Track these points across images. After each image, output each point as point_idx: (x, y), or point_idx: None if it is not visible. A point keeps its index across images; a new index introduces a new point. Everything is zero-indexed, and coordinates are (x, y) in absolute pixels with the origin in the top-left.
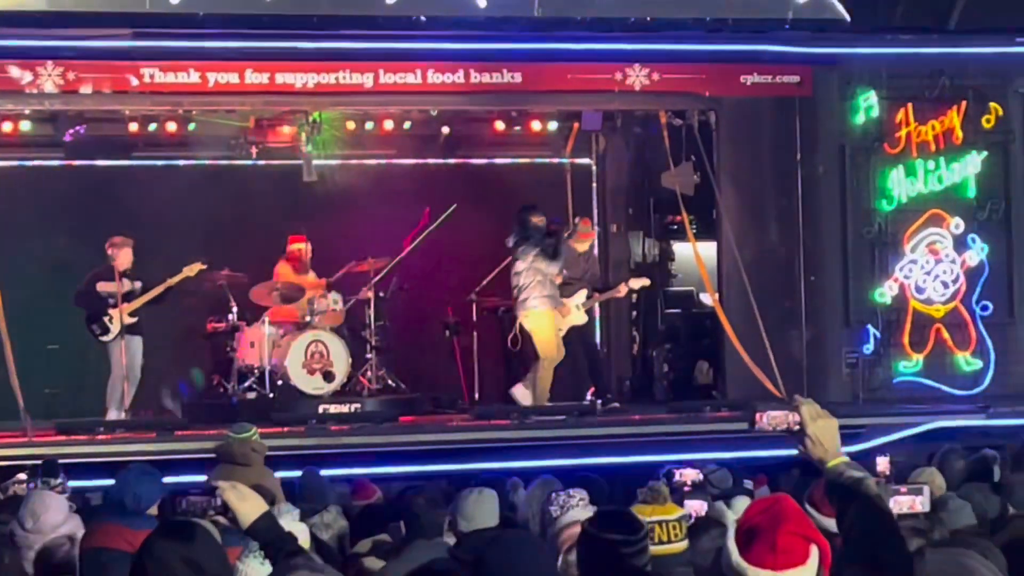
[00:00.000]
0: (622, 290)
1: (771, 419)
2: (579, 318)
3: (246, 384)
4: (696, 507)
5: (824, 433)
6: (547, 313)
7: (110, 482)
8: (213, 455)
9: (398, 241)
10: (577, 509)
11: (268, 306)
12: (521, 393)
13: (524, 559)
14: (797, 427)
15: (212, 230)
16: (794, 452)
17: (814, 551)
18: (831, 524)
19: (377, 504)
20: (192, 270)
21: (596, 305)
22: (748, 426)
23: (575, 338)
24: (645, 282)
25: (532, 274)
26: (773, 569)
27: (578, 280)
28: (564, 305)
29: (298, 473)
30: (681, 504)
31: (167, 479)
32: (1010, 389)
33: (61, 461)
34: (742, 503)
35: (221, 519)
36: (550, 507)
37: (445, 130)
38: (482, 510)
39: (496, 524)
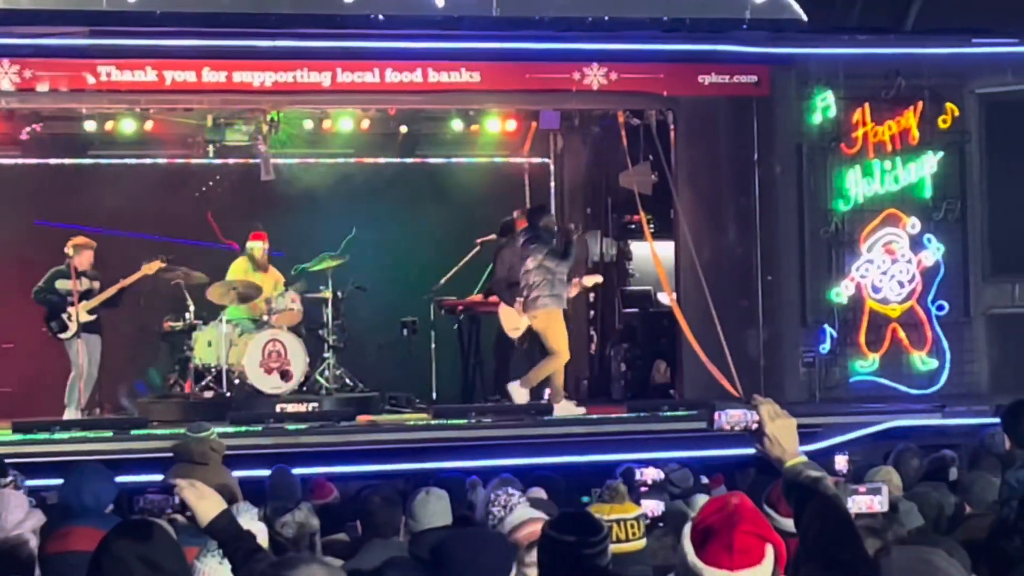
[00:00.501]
0: (573, 289)
1: (729, 418)
2: None
3: (203, 383)
4: (652, 507)
5: (782, 432)
6: (556, 312)
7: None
8: (170, 454)
9: (356, 240)
10: (521, 507)
11: (225, 305)
12: (516, 391)
13: (480, 555)
14: (755, 426)
15: (169, 229)
16: (750, 451)
17: (770, 551)
18: (789, 524)
19: (334, 503)
20: (151, 268)
21: None
22: (707, 425)
23: (532, 337)
24: (598, 279)
25: (541, 273)
26: (729, 569)
27: None
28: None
29: (255, 472)
30: (638, 503)
31: (124, 478)
32: (965, 388)
33: (18, 460)
34: (701, 502)
35: (179, 518)
36: (492, 508)
37: (403, 129)
38: (431, 510)
39: (448, 523)
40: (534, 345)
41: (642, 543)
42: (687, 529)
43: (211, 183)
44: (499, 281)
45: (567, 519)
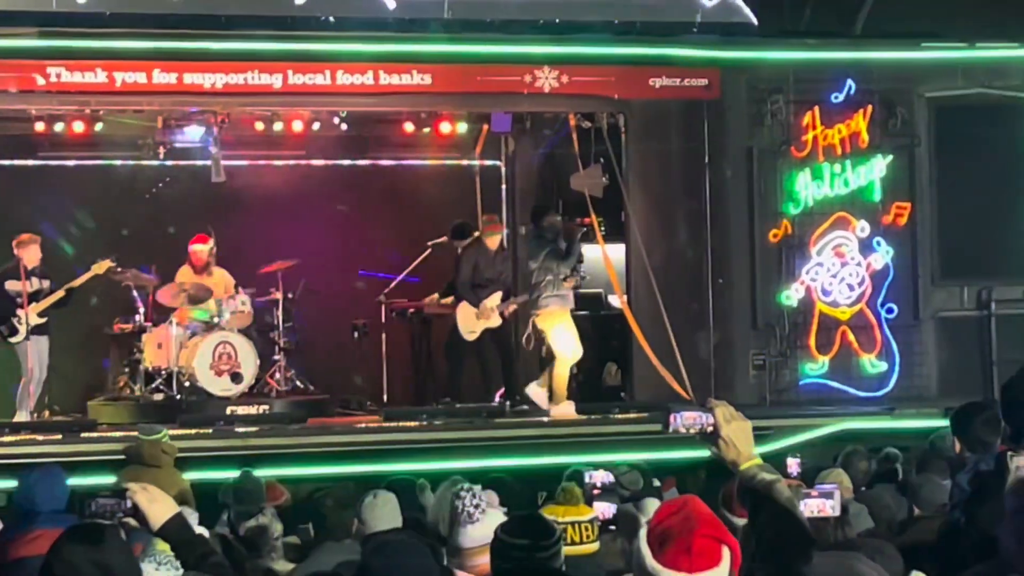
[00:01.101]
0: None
1: (685, 420)
2: (493, 320)
3: (153, 385)
4: (604, 509)
5: (737, 435)
6: (560, 311)
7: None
8: (122, 456)
9: (307, 242)
10: (492, 512)
11: (175, 307)
12: (535, 392)
13: (405, 565)
14: (710, 429)
15: (120, 231)
16: (701, 454)
17: (726, 553)
18: (742, 523)
19: (286, 506)
20: (100, 268)
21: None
22: (662, 427)
23: (489, 340)
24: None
25: (543, 273)
26: (688, 572)
27: (493, 282)
28: (484, 308)
29: (206, 474)
30: (591, 506)
31: (74, 481)
32: (915, 391)
33: None
34: (652, 505)
35: (131, 521)
36: (467, 506)
37: (354, 131)
38: (379, 513)
39: (398, 526)
40: (490, 345)
41: (595, 546)
42: (643, 533)
43: (161, 185)
44: (463, 283)
45: (519, 522)
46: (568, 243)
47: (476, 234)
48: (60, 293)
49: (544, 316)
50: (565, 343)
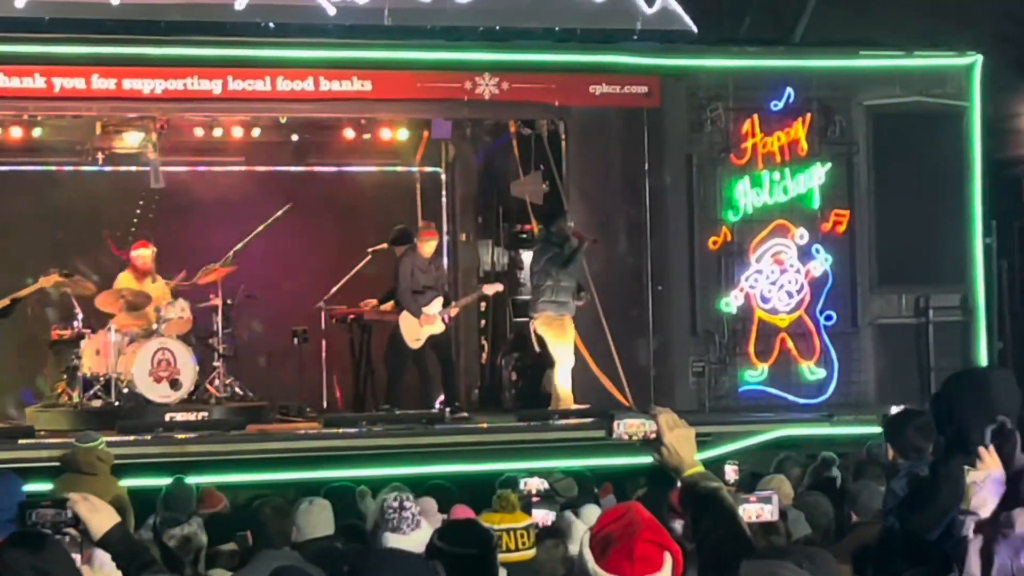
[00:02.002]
0: (488, 291)
1: (628, 428)
2: (437, 326)
3: (91, 392)
4: (542, 517)
5: (680, 442)
6: (558, 318)
7: None
8: (58, 464)
9: (247, 248)
10: (423, 527)
11: (114, 313)
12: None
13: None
14: (653, 436)
15: (57, 237)
16: (640, 460)
17: (668, 558)
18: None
19: (224, 513)
20: (48, 281)
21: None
22: (605, 434)
23: (429, 347)
24: (499, 287)
25: (542, 277)
26: None
27: (431, 288)
28: (425, 314)
29: (144, 481)
30: (528, 513)
31: None
32: (853, 398)
33: None
34: (592, 512)
35: (72, 531)
36: (404, 513)
37: (295, 137)
38: (313, 520)
39: (331, 533)
40: (430, 352)
41: (532, 553)
42: (586, 538)
43: (100, 191)
44: (404, 291)
45: (455, 528)
46: (571, 251)
47: (414, 240)
48: (5, 302)
49: (542, 322)
50: (563, 350)
